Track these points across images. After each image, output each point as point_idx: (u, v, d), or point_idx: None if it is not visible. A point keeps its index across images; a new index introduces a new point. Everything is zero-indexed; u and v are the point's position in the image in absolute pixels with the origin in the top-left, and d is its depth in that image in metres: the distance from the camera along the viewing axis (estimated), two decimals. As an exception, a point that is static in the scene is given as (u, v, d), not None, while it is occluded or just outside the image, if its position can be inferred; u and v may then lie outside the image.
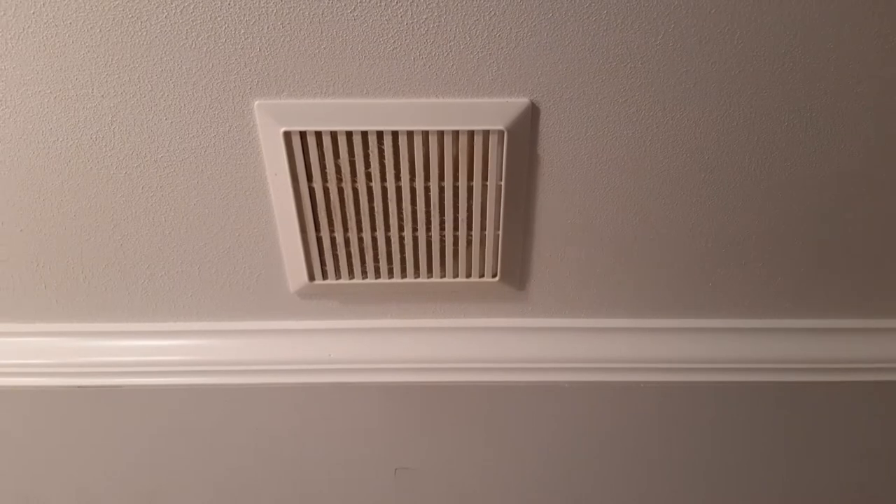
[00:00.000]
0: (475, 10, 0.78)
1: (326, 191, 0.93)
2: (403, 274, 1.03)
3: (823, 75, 0.84)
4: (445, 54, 0.82)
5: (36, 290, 1.05)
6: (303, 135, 0.87)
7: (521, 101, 0.86)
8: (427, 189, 0.93)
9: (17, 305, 1.07)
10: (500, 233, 0.98)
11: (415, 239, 0.98)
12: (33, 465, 1.25)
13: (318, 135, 0.87)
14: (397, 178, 0.92)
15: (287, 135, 0.87)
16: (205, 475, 1.27)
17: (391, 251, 1.00)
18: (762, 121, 0.88)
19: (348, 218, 0.96)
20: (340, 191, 0.93)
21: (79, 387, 1.12)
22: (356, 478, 1.28)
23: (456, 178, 0.92)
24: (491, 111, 0.86)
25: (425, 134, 0.88)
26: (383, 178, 0.92)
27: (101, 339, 1.09)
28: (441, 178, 0.92)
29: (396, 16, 0.78)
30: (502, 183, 0.93)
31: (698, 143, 0.90)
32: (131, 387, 1.12)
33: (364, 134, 0.87)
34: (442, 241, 0.99)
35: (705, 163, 0.92)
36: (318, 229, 0.97)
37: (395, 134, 0.88)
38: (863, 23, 0.80)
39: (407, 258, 1.00)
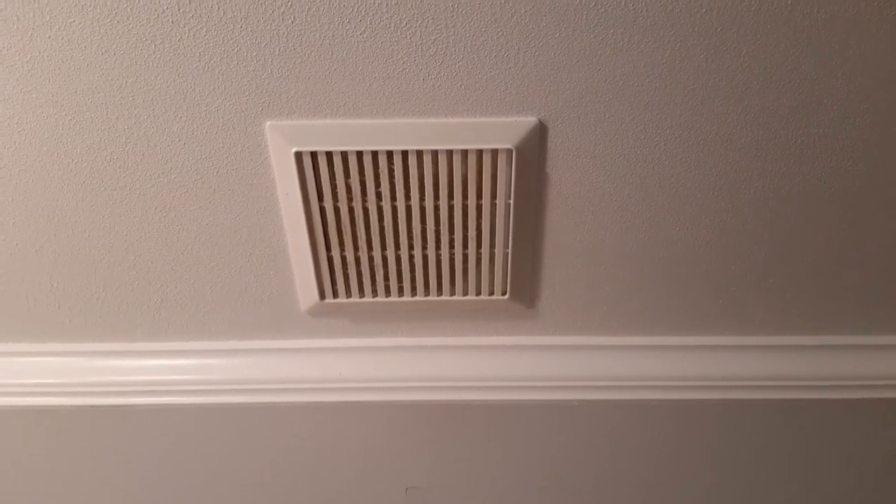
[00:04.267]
0: (483, 30, 0.79)
1: (337, 210, 0.94)
2: (413, 292, 1.03)
3: (830, 91, 0.85)
4: (454, 74, 0.83)
5: (49, 309, 1.06)
6: (314, 155, 0.88)
7: (530, 120, 0.86)
8: (437, 208, 0.94)
9: (31, 325, 1.08)
10: (510, 251, 0.99)
11: (425, 257, 0.99)
12: (46, 485, 1.25)
13: (329, 155, 0.88)
14: (407, 197, 0.92)
15: (298, 155, 0.88)
16: (217, 494, 1.27)
17: (401, 270, 1.00)
18: (769, 137, 0.89)
19: (359, 237, 0.96)
20: (351, 210, 0.94)
21: (92, 406, 1.13)
22: (367, 497, 1.28)
23: (465, 197, 0.93)
24: (499, 130, 0.87)
25: (435, 153, 0.88)
26: (393, 198, 0.92)
27: (114, 358, 1.10)
28: (451, 196, 0.93)
29: (405, 37, 0.79)
30: (511, 201, 0.93)
31: (706, 159, 0.91)
32: (144, 406, 1.13)
33: (374, 154, 0.88)
34: (452, 259, 0.99)
35: (714, 180, 0.93)
36: (328, 248, 0.98)
37: (404, 153, 0.88)
38: (869, 39, 0.81)
39: (417, 276, 1.01)
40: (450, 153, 0.89)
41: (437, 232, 0.96)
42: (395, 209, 0.94)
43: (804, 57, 0.82)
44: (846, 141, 0.89)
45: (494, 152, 0.88)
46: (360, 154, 0.88)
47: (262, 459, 1.21)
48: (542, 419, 1.16)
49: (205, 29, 0.78)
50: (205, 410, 1.14)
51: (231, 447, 1.19)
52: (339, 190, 0.92)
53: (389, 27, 0.79)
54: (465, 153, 0.89)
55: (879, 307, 1.08)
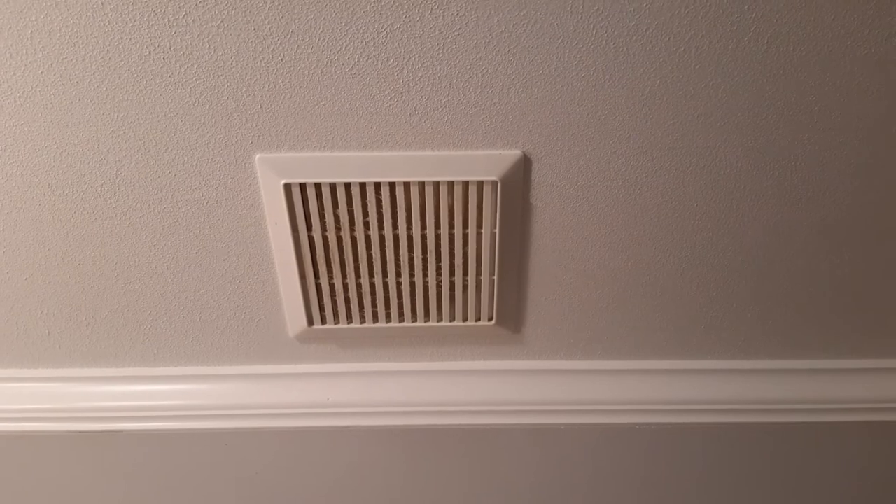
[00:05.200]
0: (467, 67, 0.81)
1: (326, 239, 0.95)
2: (401, 318, 1.04)
3: (807, 126, 0.87)
4: (440, 109, 0.84)
5: (39, 335, 1.07)
6: (302, 186, 0.90)
7: (514, 153, 0.88)
8: (424, 237, 0.95)
9: (22, 351, 1.09)
10: (496, 278, 1.00)
11: (412, 285, 1.00)
12: (34, 509, 1.25)
13: (318, 186, 0.90)
14: (394, 226, 0.94)
15: (287, 187, 0.89)
16: (204, 518, 1.27)
17: (389, 297, 1.02)
18: (748, 169, 0.91)
19: (347, 265, 0.98)
20: (339, 239, 0.95)
21: (81, 432, 1.13)
22: (355, 519, 1.28)
23: (452, 226, 0.95)
24: (485, 162, 0.89)
25: (421, 185, 0.90)
26: (381, 227, 0.94)
27: (104, 384, 1.11)
28: (437, 226, 0.94)
29: (392, 73, 0.81)
30: (497, 230, 0.95)
31: (686, 190, 0.93)
32: (133, 431, 1.13)
33: (362, 185, 0.90)
34: (439, 286, 1.01)
35: (695, 210, 0.95)
36: (317, 276, 0.99)
37: (392, 185, 0.90)
38: (843, 76, 0.83)
39: (404, 303, 1.02)
40: (436, 184, 0.90)
41: (425, 260, 0.98)
42: (382, 238, 0.95)
43: (780, 93, 0.84)
44: (823, 173, 0.92)
45: (480, 184, 0.90)
46: (347, 185, 0.90)
47: (251, 484, 1.22)
48: (528, 443, 1.18)
49: (196, 66, 0.80)
50: (194, 436, 1.15)
51: (220, 472, 1.20)
52: (327, 220, 0.93)
53: (377, 63, 0.81)
54: (451, 184, 0.90)
55: (858, 331, 1.10)
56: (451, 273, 1.00)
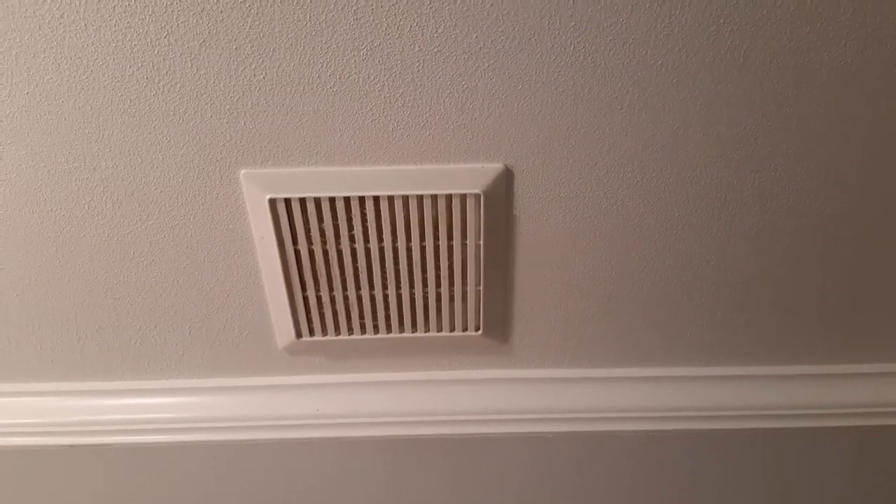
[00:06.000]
0: (448, 83, 0.82)
1: (312, 253, 0.96)
2: (388, 329, 1.05)
3: (785, 136, 0.88)
4: (422, 124, 0.85)
5: (31, 350, 1.08)
6: (287, 201, 0.91)
7: (496, 167, 0.89)
8: (409, 249, 0.96)
9: (13, 365, 1.10)
10: (482, 288, 1.01)
11: (398, 296, 1.01)
12: (28, 522, 1.26)
13: (303, 201, 0.91)
14: (380, 239, 0.95)
15: (272, 202, 0.90)
16: (197, 529, 1.28)
17: (376, 308, 1.03)
18: (729, 179, 0.92)
19: (333, 278, 0.99)
20: (325, 252, 0.96)
21: (71, 445, 1.14)
22: (347, 529, 1.29)
23: (437, 238, 0.95)
24: (467, 176, 0.90)
25: (405, 198, 0.91)
26: (366, 240, 0.95)
27: (94, 397, 1.12)
28: (422, 238, 0.95)
29: (374, 90, 0.82)
30: (481, 242, 0.96)
31: (668, 200, 0.94)
32: (124, 444, 1.14)
33: (346, 199, 0.91)
34: (425, 297, 1.02)
35: (676, 219, 0.96)
36: (304, 289, 1.00)
37: (376, 199, 0.91)
38: (819, 87, 0.84)
39: (391, 314, 1.03)
40: (420, 198, 0.91)
41: (410, 272, 0.99)
42: (368, 251, 0.96)
43: (757, 104, 0.85)
44: (803, 181, 0.93)
45: (463, 197, 0.91)
46: (332, 200, 0.91)
47: (242, 496, 1.23)
48: (516, 452, 1.18)
49: (179, 84, 0.81)
50: (184, 448, 1.15)
51: (210, 484, 1.21)
52: (312, 234, 0.94)
53: (359, 80, 0.81)
54: (434, 198, 0.91)
55: (844, 337, 1.11)
56: (438, 284, 1.00)
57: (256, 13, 0.76)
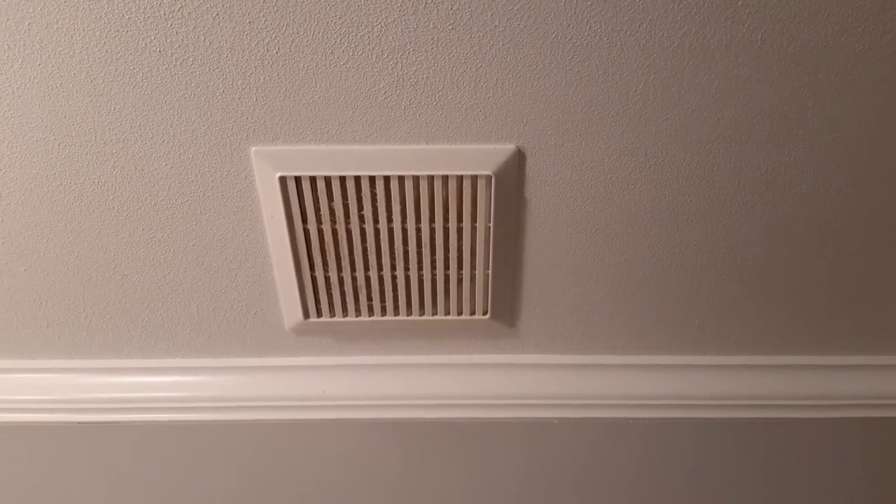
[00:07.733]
0: (462, 61, 0.81)
1: (321, 232, 0.96)
2: (396, 312, 1.05)
3: (800, 122, 0.87)
4: (434, 103, 0.85)
5: (38, 327, 1.08)
6: (298, 179, 0.90)
7: (508, 147, 0.89)
8: (418, 230, 0.96)
9: (20, 342, 1.10)
10: (490, 272, 1.01)
11: (407, 278, 1.01)
12: (33, 501, 1.26)
13: (313, 179, 0.91)
14: (389, 220, 0.94)
15: (283, 179, 0.90)
16: (201, 509, 1.28)
17: (384, 290, 1.02)
18: (742, 165, 0.91)
19: (342, 258, 0.98)
20: (335, 232, 0.96)
21: (79, 422, 1.14)
22: (351, 512, 1.29)
23: (446, 220, 0.95)
24: (479, 157, 0.89)
25: (416, 178, 0.91)
26: (376, 220, 0.95)
27: (101, 375, 1.12)
28: (432, 220, 0.95)
29: (387, 67, 0.82)
30: (491, 224, 0.95)
31: (680, 185, 0.93)
32: (130, 422, 1.14)
33: (357, 178, 0.90)
34: (433, 280, 1.01)
35: (688, 205, 0.95)
36: (312, 269, 1.00)
37: (386, 178, 0.91)
38: (837, 72, 0.83)
39: (399, 296, 1.03)
40: (431, 178, 0.91)
41: (419, 253, 0.98)
42: (377, 231, 0.96)
43: (774, 89, 0.84)
44: (816, 168, 0.92)
45: (474, 178, 0.91)
46: (343, 179, 0.90)
47: (248, 476, 1.23)
48: (522, 437, 1.18)
49: (191, 59, 0.80)
50: (190, 427, 1.15)
51: (216, 464, 1.21)
52: (322, 213, 0.94)
53: (372, 57, 0.81)
54: (445, 178, 0.91)
55: (852, 328, 1.11)
56: (446, 266, 1.00)
57: (270, -13, 0.76)
